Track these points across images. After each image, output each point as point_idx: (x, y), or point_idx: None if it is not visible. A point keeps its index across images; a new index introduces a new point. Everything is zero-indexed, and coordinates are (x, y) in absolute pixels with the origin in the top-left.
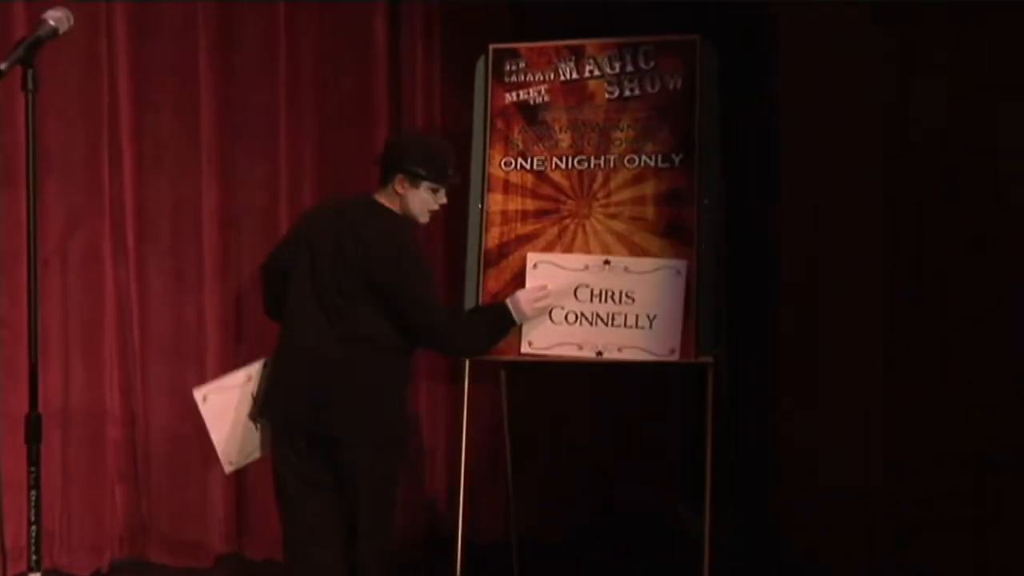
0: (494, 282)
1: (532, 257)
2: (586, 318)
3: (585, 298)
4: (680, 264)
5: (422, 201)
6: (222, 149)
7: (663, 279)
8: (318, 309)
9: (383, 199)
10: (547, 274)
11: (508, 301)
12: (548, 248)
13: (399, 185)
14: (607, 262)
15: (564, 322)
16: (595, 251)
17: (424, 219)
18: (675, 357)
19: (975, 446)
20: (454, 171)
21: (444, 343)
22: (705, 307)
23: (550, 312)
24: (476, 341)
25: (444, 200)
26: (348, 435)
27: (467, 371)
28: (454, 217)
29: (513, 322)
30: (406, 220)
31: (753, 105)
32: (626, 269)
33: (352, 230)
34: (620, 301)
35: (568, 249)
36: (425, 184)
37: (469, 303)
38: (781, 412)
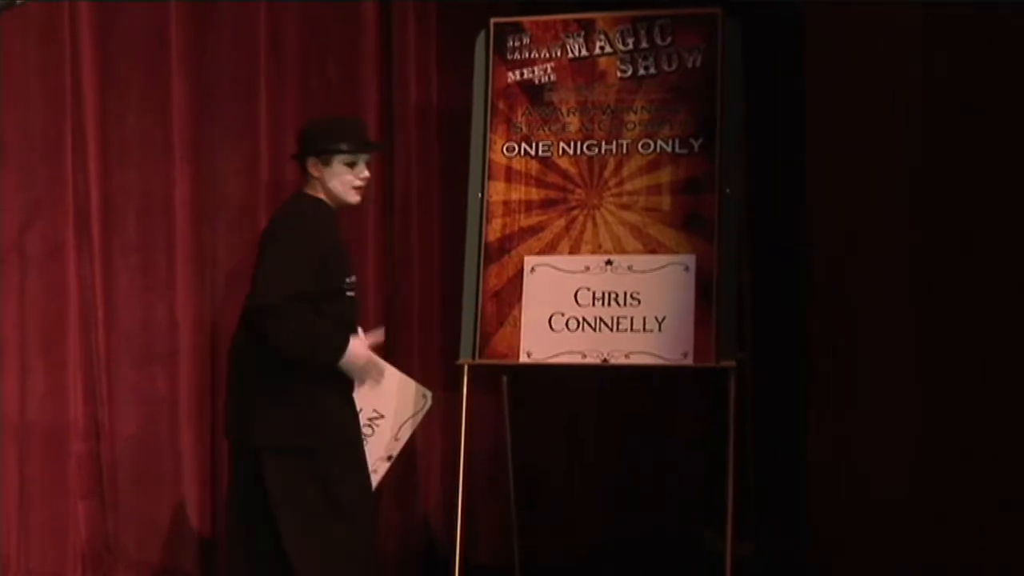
0: (495, 279)
1: (529, 261)
2: (589, 323)
3: (587, 302)
4: (688, 259)
5: (339, 179)
6: (196, 135)
7: (671, 277)
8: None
9: (308, 189)
10: (545, 278)
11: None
12: (554, 242)
13: (313, 169)
14: (609, 262)
15: (565, 329)
16: (605, 245)
17: (351, 198)
18: (689, 361)
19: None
20: (361, 141)
21: (258, 321)
22: (726, 306)
23: (549, 319)
24: (285, 335)
25: (365, 174)
26: (243, 440)
27: (466, 376)
28: (451, 208)
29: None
30: (318, 205)
31: (778, 86)
32: (630, 268)
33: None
34: (625, 303)
35: (576, 243)
36: (337, 160)
37: (468, 302)
38: (810, 421)
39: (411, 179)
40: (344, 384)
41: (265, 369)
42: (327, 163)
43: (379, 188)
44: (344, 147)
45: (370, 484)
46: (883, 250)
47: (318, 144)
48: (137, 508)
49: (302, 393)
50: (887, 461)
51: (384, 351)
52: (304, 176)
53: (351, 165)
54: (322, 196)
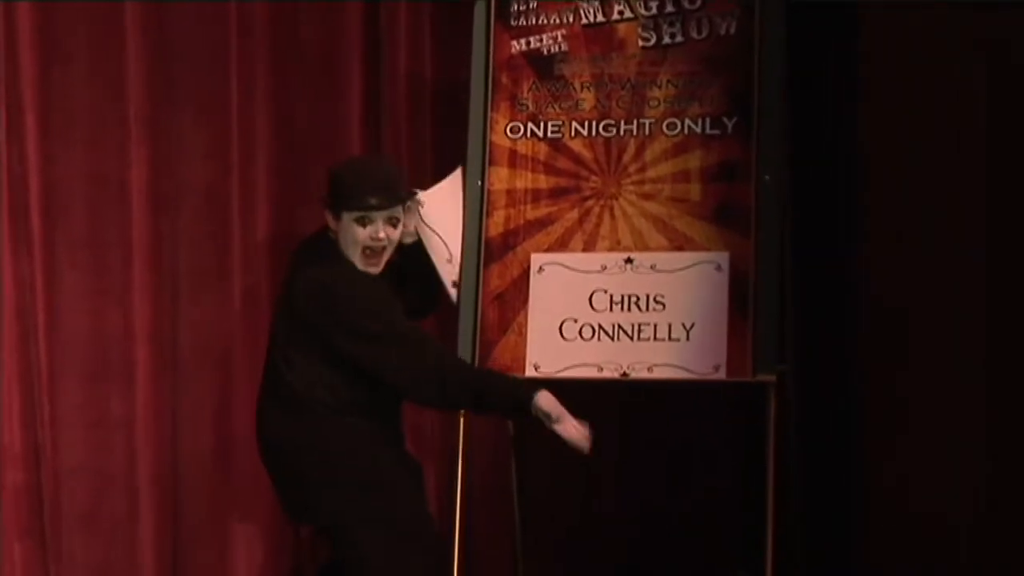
0: (497, 280)
1: (537, 259)
2: (605, 331)
3: (603, 306)
4: (721, 257)
5: (348, 236)
6: (154, 110)
7: (700, 277)
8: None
9: (332, 234)
10: (556, 279)
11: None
12: (566, 237)
13: (330, 221)
14: (629, 260)
15: (578, 338)
16: (625, 240)
17: (359, 261)
18: (721, 375)
19: None
20: (381, 195)
21: (414, 363)
22: (765, 311)
23: (559, 326)
24: (463, 370)
25: (380, 234)
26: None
27: None
28: None
29: (524, 402)
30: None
31: (828, 57)
32: (653, 267)
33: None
34: (647, 308)
35: (591, 239)
36: (346, 215)
37: (466, 306)
38: (863, 444)
39: (400, 163)
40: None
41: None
42: (336, 216)
43: None
44: (346, 201)
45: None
46: (949, 256)
47: (328, 194)
48: (84, 552)
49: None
50: (951, 492)
51: None
52: None
53: (360, 222)
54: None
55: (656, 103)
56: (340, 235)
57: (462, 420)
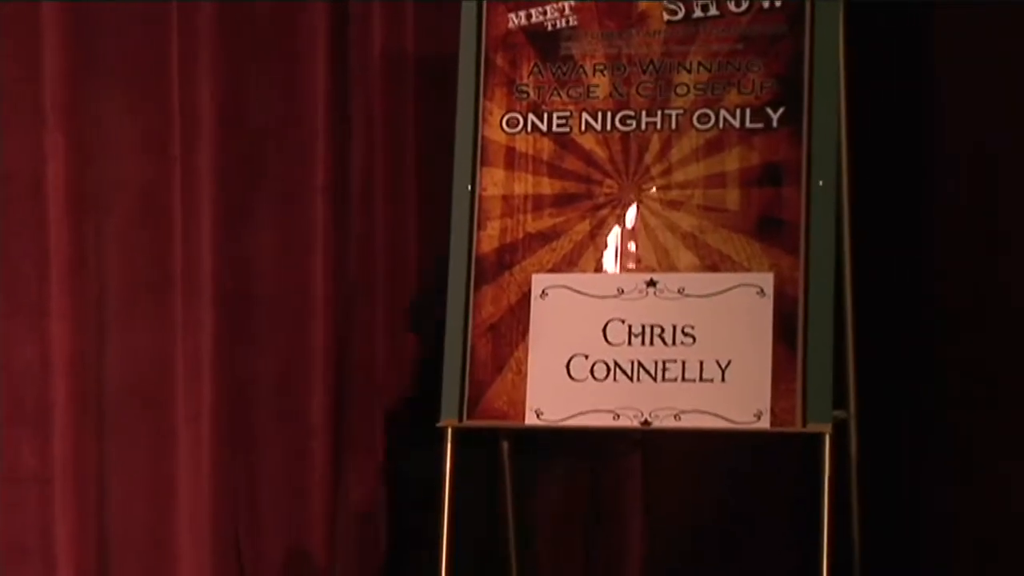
0: (491, 307)
1: (540, 281)
2: (623, 370)
3: (620, 339)
4: (764, 279)
5: None
6: (76, 90)
7: (739, 304)
8: None
9: None
10: (562, 306)
11: None
12: (575, 254)
13: None
14: (652, 283)
15: (590, 378)
16: (647, 258)
17: None
18: (764, 424)
19: None
20: None
21: None
22: (818, 345)
23: (567, 363)
24: None
25: None
26: None
27: (449, 443)
28: (432, 205)
29: None
30: None
31: (894, 34)
32: (681, 291)
33: None
34: (675, 342)
35: (606, 255)
36: None
37: (453, 339)
38: (937, 500)
39: (376, 159)
40: None
41: None
42: None
43: (331, 171)
44: None
45: None
46: None
47: None
48: None
49: None
50: None
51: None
52: None
53: None
54: None
55: (685, 90)
56: None
57: (447, 480)
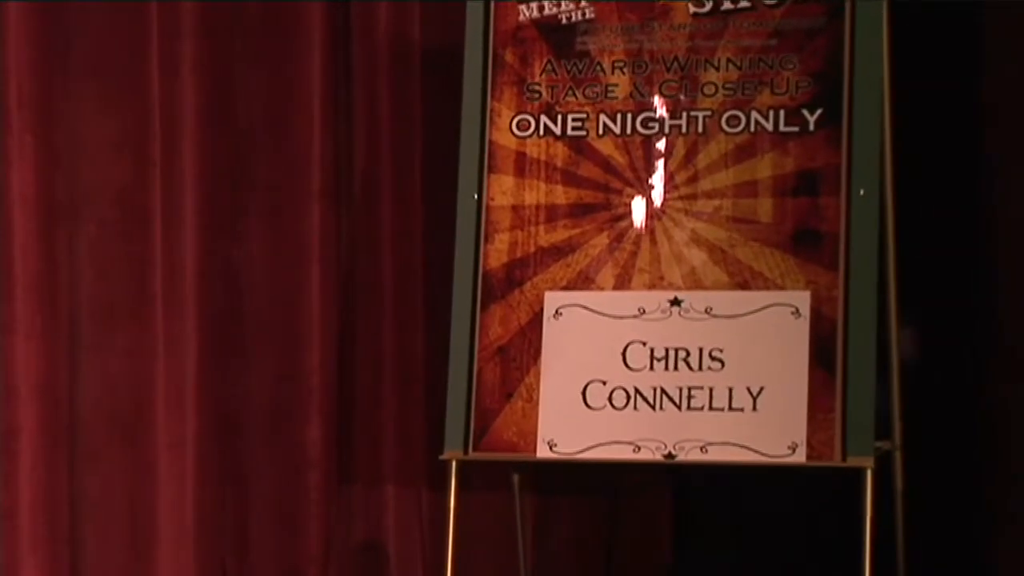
0: (499, 328)
1: (553, 299)
2: (644, 397)
3: (641, 364)
4: (800, 298)
5: None
6: (44, 87)
7: (772, 325)
8: None
9: None
10: (578, 327)
11: None
12: (592, 270)
13: None
14: (676, 302)
15: (608, 406)
16: (671, 275)
17: None
18: (800, 458)
19: None
20: None
21: None
22: (859, 370)
23: (583, 390)
24: None
25: None
26: None
27: (453, 477)
28: (436, 216)
29: None
30: None
31: (937, 29)
32: (708, 311)
33: None
34: (701, 367)
35: (625, 272)
36: None
37: (458, 363)
38: (998, 537)
39: (380, 160)
40: None
41: None
42: None
43: (328, 173)
44: None
45: None
46: None
47: None
48: None
49: None
50: None
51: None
52: None
53: None
54: None
55: (713, 90)
56: None
57: (452, 518)
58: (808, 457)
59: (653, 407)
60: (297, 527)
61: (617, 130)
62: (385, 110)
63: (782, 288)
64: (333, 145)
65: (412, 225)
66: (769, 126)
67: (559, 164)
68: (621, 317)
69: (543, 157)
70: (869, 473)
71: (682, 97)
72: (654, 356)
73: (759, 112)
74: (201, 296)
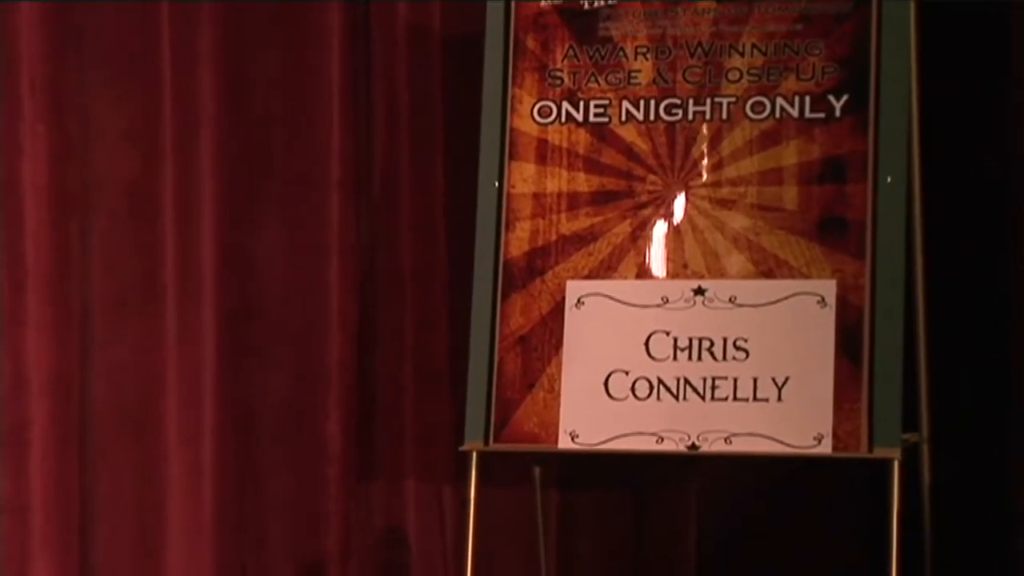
0: (520, 318)
1: (575, 288)
2: (667, 388)
3: (665, 354)
4: (826, 287)
5: None
6: (55, 75)
7: (797, 315)
8: None
9: None
10: (600, 316)
11: None
12: (614, 259)
13: None
14: (700, 291)
15: (631, 396)
16: (695, 264)
17: None
18: (826, 449)
19: None
20: None
21: None
22: (886, 360)
23: (605, 380)
24: None
25: None
26: None
27: (473, 469)
28: (457, 204)
29: None
30: None
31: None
32: (733, 300)
33: None
34: (725, 356)
35: (649, 260)
36: None
37: (478, 353)
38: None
39: (399, 149)
40: None
41: None
42: None
43: (348, 163)
44: None
45: None
46: None
47: None
48: None
49: None
50: None
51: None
52: None
53: None
54: None
55: (737, 76)
56: None
57: (472, 510)
58: (834, 448)
59: (676, 397)
60: (317, 522)
61: (640, 116)
62: (405, 98)
63: (808, 277)
64: (352, 134)
65: (433, 215)
66: (795, 112)
67: (581, 151)
68: (644, 306)
69: (565, 144)
70: (896, 465)
71: (706, 83)
72: (677, 346)
73: (784, 98)
74: (218, 288)
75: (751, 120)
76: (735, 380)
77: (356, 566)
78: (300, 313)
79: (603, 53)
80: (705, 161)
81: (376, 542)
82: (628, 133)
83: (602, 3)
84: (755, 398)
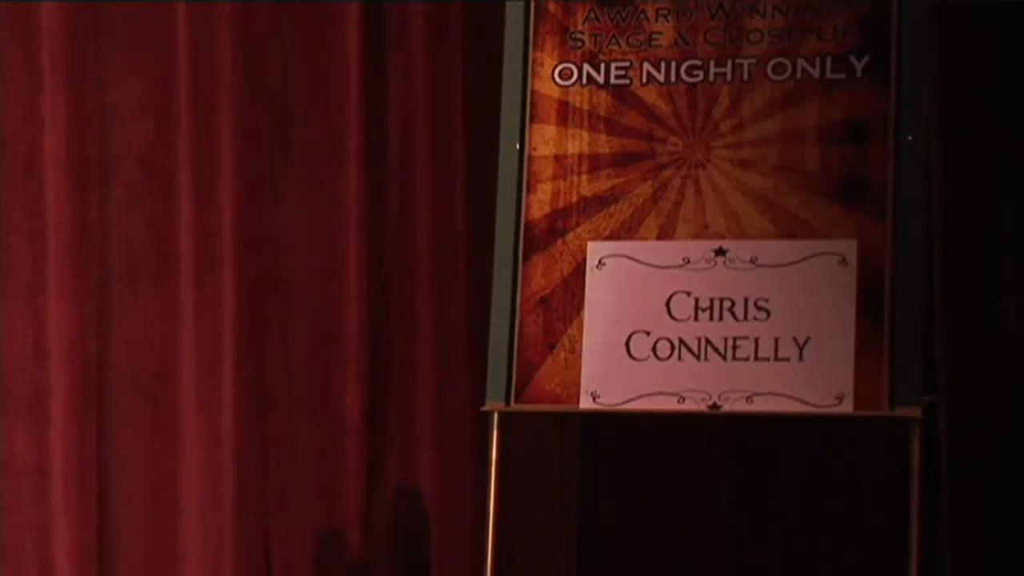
0: (542, 279)
1: (596, 249)
2: (689, 348)
3: (686, 314)
4: (847, 247)
5: None
6: (75, 46)
7: (818, 275)
8: None
9: None
10: (622, 277)
11: None
12: (636, 220)
13: None
14: (721, 251)
15: (652, 357)
16: (715, 224)
17: None
18: (847, 408)
19: None
20: None
21: None
22: (907, 320)
23: (626, 341)
24: None
25: None
26: None
27: (495, 429)
28: (478, 167)
29: None
30: None
31: None
32: (753, 261)
33: None
34: (746, 316)
35: (670, 222)
36: None
37: (499, 314)
38: None
39: (417, 117)
40: None
41: None
42: None
43: (364, 134)
44: None
45: None
46: None
47: None
48: None
49: None
50: None
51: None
52: None
53: None
54: None
55: (758, 37)
56: None
57: (493, 471)
58: (855, 407)
59: (698, 357)
60: (336, 492)
61: (661, 78)
62: (422, 66)
63: (829, 237)
64: (370, 105)
65: (453, 185)
66: (816, 73)
67: (602, 113)
68: (665, 267)
69: (586, 106)
70: (917, 425)
71: (727, 44)
72: (699, 306)
73: (805, 59)
74: (236, 259)
75: (772, 81)
76: (756, 340)
77: (374, 534)
78: (318, 283)
79: (624, 15)
80: (726, 122)
81: (394, 511)
82: (649, 95)
83: None
84: (776, 358)
